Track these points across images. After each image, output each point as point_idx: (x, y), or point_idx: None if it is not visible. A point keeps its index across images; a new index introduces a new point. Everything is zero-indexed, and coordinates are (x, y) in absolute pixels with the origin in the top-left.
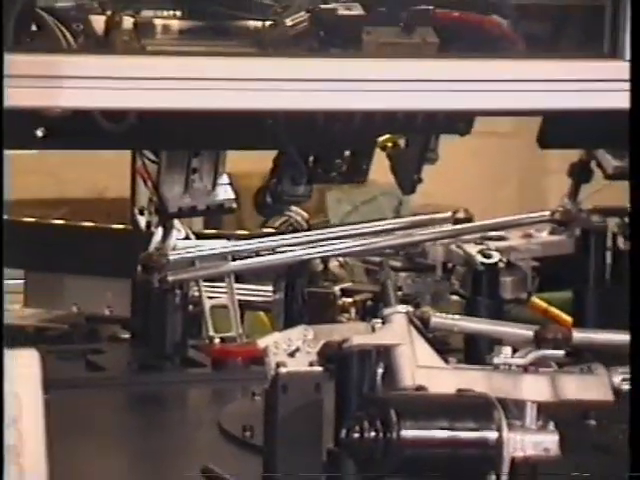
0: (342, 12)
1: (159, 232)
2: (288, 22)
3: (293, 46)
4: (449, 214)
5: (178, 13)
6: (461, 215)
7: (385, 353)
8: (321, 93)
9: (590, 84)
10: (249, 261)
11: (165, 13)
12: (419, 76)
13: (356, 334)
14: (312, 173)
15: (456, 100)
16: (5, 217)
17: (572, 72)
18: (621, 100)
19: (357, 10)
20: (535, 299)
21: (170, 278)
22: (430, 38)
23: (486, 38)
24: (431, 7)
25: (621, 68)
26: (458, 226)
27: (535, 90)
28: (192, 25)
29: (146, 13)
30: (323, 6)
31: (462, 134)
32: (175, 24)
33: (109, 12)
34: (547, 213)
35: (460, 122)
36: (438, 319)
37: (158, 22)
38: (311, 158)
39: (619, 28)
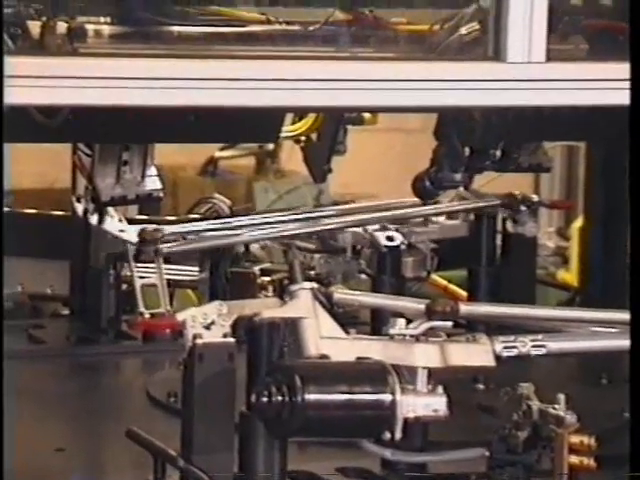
0: None
1: (94, 218)
2: (463, 31)
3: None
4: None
5: (108, 19)
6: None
7: (292, 325)
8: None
9: (477, 84)
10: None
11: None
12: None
13: (266, 309)
14: (469, 162)
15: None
16: None
17: (462, 73)
18: (505, 99)
19: None
20: (436, 277)
21: (164, 250)
22: (581, 45)
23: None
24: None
25: (503, 69)
26: (371, 215)
27: (428, 89)
28: (121, 30)
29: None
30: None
31: None
32: (105, 29)
33: (44, 18)
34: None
35: None
36: (340, 295)
37: (90, 27)
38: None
39: (500, 33)
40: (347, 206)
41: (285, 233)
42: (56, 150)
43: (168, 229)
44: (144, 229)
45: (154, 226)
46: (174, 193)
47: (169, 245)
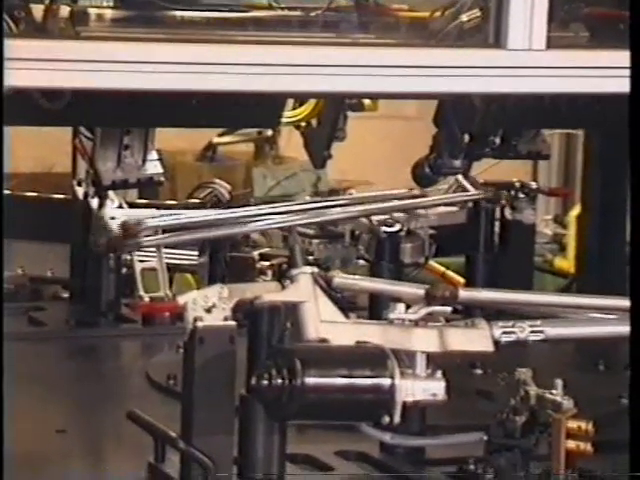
0: None
1: (95, 202)
2: (464, 17)
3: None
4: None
5: (111, 3)
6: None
7: (292, 309)
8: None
9: (477, 70)
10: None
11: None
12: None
13: (267, 292)
14: (468, 148)
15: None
16: None
17: (462, 60)
18: (505, 86)
19: None
20: (433, 263)
21: (145, 243)
22: (581, 32)
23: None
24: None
25: (503, 56)
26: (369, 206)
27: (428, 75)
28: (123, 14)
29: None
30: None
31: None
32: (108, 13)
33: (47, 1)
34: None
35: None
36: (340, 279)
37: (92, 11)
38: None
39: (501, 20)
40: (348, 196)
41: (283, 225)
42: (54, 134)
43: (149, 222)
44: (125, 222)
45: (135, 218)
46: (172, 178)
47: (150, 239)
